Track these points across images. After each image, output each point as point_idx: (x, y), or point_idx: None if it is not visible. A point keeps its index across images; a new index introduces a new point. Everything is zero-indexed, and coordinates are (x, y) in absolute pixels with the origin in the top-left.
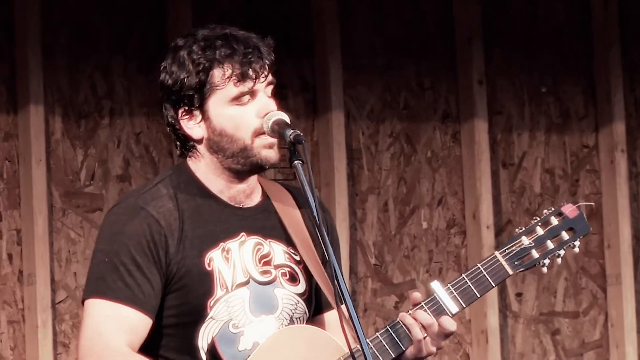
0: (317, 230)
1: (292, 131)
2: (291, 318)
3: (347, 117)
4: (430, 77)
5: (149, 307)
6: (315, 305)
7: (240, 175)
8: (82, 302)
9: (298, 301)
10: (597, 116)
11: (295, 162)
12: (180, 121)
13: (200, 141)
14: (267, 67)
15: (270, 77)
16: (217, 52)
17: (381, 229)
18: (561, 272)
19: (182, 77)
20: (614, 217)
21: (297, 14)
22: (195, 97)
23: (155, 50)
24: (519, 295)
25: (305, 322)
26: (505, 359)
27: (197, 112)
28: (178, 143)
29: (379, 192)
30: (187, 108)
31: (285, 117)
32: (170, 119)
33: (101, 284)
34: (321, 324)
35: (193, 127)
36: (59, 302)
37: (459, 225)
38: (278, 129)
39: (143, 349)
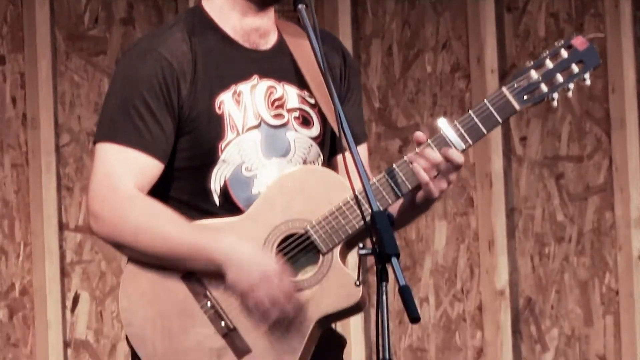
0: (325, 74)
1: None
2: (304, 161)
3: None
4: None
5: (160, 151)
6: (330, 148)
7: (253, 4)
8: (94, 144)
9: (312, 144)
10: None
11: (300, 5)
12: None
13: None
14: None
15: None
16: None
17: (385, 73)
18: (565, 116)
19: None
20: (619, 61)
21: None
22: None
23: None
24: (523, 139)
25: (319, 165)
26: (510, 203)
27: None
28: None
29: (383, 35)
30: None
31: None
32: None
33: (112, 128)
34: (334, 166)
35: None
36: (63, 146)
37: (463, 70)
38: None
39: (155, 192)
